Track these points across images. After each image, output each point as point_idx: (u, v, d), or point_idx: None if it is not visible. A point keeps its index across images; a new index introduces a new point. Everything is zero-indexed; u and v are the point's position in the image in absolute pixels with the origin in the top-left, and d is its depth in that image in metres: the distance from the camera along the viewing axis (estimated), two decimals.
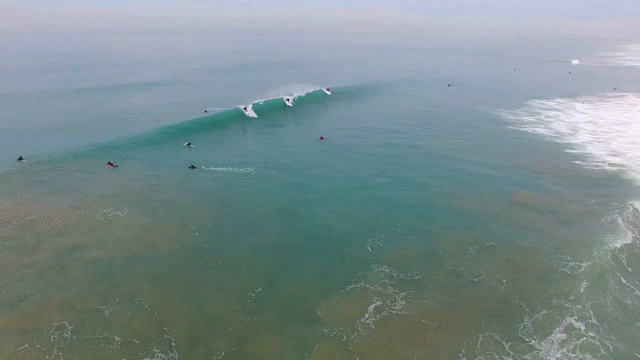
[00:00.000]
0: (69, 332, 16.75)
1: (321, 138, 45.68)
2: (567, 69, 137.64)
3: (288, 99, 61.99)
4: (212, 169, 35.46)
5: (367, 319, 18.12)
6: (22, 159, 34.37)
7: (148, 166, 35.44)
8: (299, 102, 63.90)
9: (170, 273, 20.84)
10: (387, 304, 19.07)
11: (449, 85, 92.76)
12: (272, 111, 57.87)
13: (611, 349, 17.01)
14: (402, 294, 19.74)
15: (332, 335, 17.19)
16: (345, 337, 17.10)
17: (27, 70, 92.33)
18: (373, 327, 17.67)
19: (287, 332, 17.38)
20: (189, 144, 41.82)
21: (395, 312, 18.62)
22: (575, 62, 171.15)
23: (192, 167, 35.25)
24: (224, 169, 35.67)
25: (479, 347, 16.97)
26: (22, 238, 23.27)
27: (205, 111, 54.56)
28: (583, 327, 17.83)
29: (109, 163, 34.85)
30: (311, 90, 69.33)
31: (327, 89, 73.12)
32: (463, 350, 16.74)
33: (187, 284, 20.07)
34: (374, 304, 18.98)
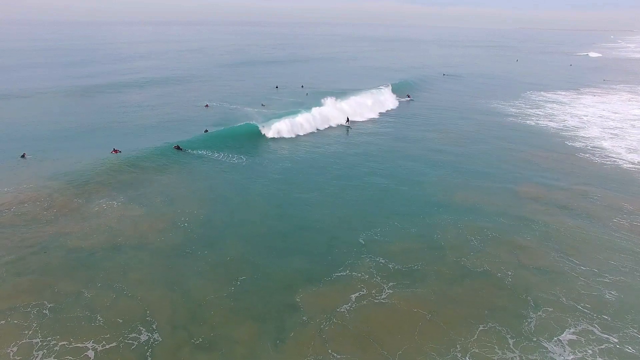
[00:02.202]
0: (47, 310, 16.82)
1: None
2: (568, 61, 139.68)
3: (348, 119, 49.89)
4: (203, 153, 35.82)
5: (346, 307, 17.59)
6: (25, 156, 34.97)
7: (151, 156, 35.52)
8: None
9: (156, 262, 20.77)
10: (373, 293, 18.51)
11: (444, 74, 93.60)
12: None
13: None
14: (390, 284, 19.17)
15: (310, 322, 16.80)
16: (322, 325, 16.70)
17: (24, 66, 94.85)
18: (348, 316, 17.14)
19: (267, 318, 17.08)
20: (206, 130, 41.87)
21: (380, 301, 18.05)
22: (593, 54, 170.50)
23: (178, 147, 35.44)
24: (216, 154, 35.91)
25: (477, 341, 16.11)
26: (14, 224, 23.60)
27: (207, 105, 55.41)
28: (594, 330, 16.99)
29: (114, 150, 35.51)
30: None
31: (408, 95, 65.76)
32: (458, 346, 15.84)
33: (171, 273, 19.97)
34: (358, 293, 18.46)
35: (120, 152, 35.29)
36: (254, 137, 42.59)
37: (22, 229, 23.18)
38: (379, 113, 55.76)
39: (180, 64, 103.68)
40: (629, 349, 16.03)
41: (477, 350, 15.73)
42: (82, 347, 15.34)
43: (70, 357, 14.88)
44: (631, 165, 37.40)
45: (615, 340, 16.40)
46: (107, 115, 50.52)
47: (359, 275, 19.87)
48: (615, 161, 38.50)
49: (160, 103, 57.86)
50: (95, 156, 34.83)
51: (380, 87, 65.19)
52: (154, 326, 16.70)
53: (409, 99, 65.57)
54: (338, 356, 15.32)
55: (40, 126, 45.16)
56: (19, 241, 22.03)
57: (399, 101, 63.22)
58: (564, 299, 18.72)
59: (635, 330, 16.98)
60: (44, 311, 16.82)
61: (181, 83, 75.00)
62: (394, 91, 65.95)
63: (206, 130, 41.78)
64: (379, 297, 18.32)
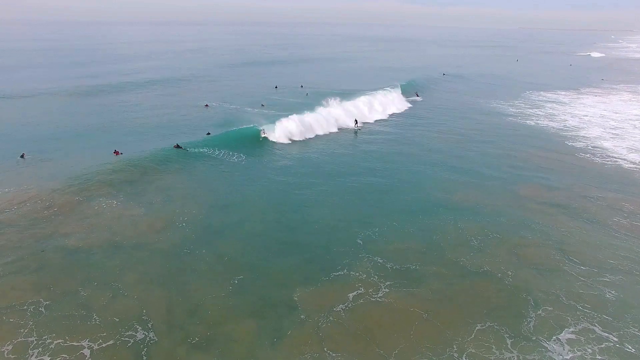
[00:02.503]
0: (43, 308, 16.75)
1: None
2: (568, 61, 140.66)
3: (356, 121, 48.74)
4: (203, 151, 35.78)
5: (343, 306, 17.52)
6: (24, 156, 34.83)
7: (150, 156, 35.32)
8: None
9: (154, 261, 20.69)
10: (370, 292, 18.42)
11: (444, 74, 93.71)
12: None
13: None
14: (387, 283, 19.06)
15: (308, 321, 16.74)
16: (319, 324, 16.64)
17: (24, 66, 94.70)
18: (345, 315, 17.07)
19: (265, 316, 17.02)
20: (209, 133, 41.56)
21: (376, 299, 17.96)
22: (595, 54, 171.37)
23: (177, 146, 35.35)
24: (216, 152, 35.84)
25: (474, 341, 15.95)
26: (13, 224, 23.53)
27: (206, 105, 55.31)
28: (596, 329, 16.89)
29: (115, 152, 35.45)
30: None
31: (417, 94, 66.94)
32: (454, 346, 15.71)
33: (169, 272, 19.90)
34: (355, 292, 18.38)
35: (121, 153, 35.21)
36: (256, 138, 42.42)
37: (21, 228, 23.10)
38: (387, 114, 55.13)
39: (180, 64, 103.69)
40: (629, 348, 15.93)
41: (473, 350, 15.61)
42: (78, 345, 15.27)
43: (66, 356, 14.82)
44: (632, 166, 37.27)
45: (615, 339, 16.30)
46: (107, 116, 50.41)
47: (357, 274, 19.78)
48: (616, 161, 38.38)
49: (160, 103, 57.81)
50: (95, 156, 34.77)
51: (389, 87, 65.05)
52: (150, 325, 16.60)
53: (417, 98, 65.71)
54: (334, 354, 15.25)
55: (40, 126, 45.12)
56: (17, 240, 21.95)
57: (407, 101, 63.02)
58: (563, 298, 18.62)
59: (635, 329, 16.87)
60: (40, 309, 16.75)
61: (181, 83, 74.94)
62: (403, 92, 65.88)
63: (208, 133, 41.56)
64: (376, 296, 18.23)
